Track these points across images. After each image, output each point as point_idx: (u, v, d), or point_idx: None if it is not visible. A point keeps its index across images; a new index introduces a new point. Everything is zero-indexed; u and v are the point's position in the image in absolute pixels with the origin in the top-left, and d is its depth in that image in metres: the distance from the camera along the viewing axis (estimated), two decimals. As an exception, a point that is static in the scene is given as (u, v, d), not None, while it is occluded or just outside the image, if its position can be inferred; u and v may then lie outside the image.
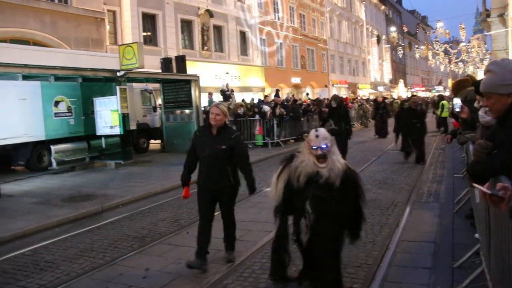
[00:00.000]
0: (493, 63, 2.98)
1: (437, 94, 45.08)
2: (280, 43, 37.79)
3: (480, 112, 5.43)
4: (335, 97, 12.87)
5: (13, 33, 17.91)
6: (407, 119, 12.84)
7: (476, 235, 5.18)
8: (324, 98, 28.01)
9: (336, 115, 12.05)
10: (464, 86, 7.74)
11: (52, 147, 13.35)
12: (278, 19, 37.63)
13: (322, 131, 3.89)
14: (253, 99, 22.94)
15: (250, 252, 5.70)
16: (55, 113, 13.65)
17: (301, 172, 3.86)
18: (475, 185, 2.55)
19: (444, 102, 20.67)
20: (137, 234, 6.90)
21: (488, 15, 31.48)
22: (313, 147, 3.79)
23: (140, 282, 4.99)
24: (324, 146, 3.76)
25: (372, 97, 39.76)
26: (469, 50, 60.78)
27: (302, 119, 20.42)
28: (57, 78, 13.79)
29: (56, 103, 13.69)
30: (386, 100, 26.86)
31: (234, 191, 5.35)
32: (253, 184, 5.31)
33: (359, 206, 3.96)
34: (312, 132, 3.89)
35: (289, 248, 4.33)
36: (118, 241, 6.59)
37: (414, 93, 65.29)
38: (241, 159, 5.25)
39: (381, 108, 21.55)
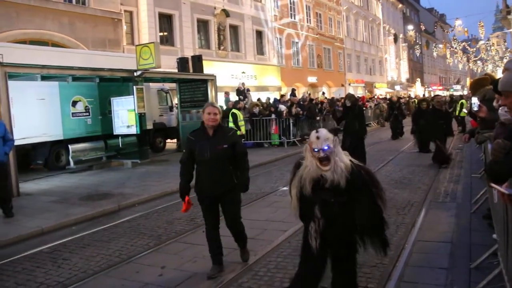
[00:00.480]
0: (511, 61, 2.94)
1: (449, 94, 44.39)
2: (297, 42, 37.71)
3: (500, 111, 5.36)
4: (350, 96, 12.57)
5: (32, 35, 18.15)
6: (432, 120, 12.40)
7: (494, 236, 5.12)
8: (339, 98, 27.72)
9: (351, 114, 11.78)
10: (482, 84, 7.65)
11: (70, 147, 13.52)
12: (295, 18, 37.55)
13: (323, 131, 3.62)
14: (268, 98, 22.92)
15: (266, 251, 5.71)
16: (73, 113, 13.81)
17: (306, 178, 3.65)
18: (493, 185, 2.52)
19: (463, 101, 20.49)
20: (153, 232, 6.95)
21: (508, 12, 31.06)
22: (315, 150, 3.54)
23: (156, 280, 5.03)
24: (326, 147, 3.50)
25: (388, 96, 39.36)
26: (488, 48, 60.08)
27: (318, 118, 20.37)
28: (75, 79, 13.94)
29: (74, 103, 13.85)
30: (401, 100, 26.35)
31: (239, 193, 5.16)
32: (247, 183, 5.04)
33: (375, 206, 3.58)
34: (313, 134, 3.64)
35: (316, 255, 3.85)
36: (134, 239, 6.65)
37: (432, 92, 64.69)
38: (242, 156, 5.04)
39: (396, 109, 20.65)
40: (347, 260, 3.76)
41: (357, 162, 3.71)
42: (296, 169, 3.81)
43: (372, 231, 3.66)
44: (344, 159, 3.60)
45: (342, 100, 21.18)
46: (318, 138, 3.55)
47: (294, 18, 37.47)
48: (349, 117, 11.74)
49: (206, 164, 4.91)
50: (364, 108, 26.25)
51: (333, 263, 3.79)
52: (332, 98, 27.24)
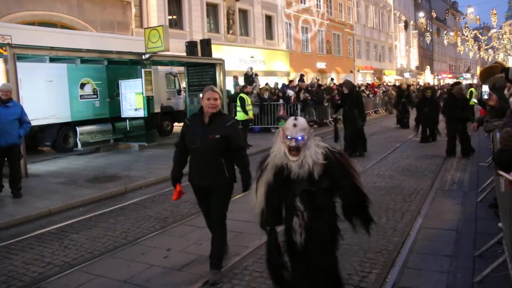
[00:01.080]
0: None
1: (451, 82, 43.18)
2: (306, 28, 37.46)
3: (511, 99, 5.31)
4: (347, 82, 12.23)
5: (42, 16, 18.15)
6: (452, 109, 11.25)
7: (500, 225, 5.11)
8: (335, 84, 26.91)
9: (349, 101, 11.55)
10: (493, 73, 7.58)
11: (78, 129, 13.57)
12: (305, 3, 37.25)
13: (301, 120, 3.33)
14: (276, 84, 22.83)
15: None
16: (81, 95, 13.84)
17: (269, 164, 3.39)
18: (501, 172, 2.50)
19: (472, 89, 20.29)
20: (159, 215, 7.00)
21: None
22: (288, 137, 3.25)
23: (162, 262, 5.07)
24: (300, 138, 3.21)
25: (397, 83, 39.06)
26: (500, 36, 59.34)
27: (326, 104, 20.30)
28: (83, 61, 13.94)
29: (82, 85, 13.88)
30: (411, 88, 25.75)
31: (229, 189, 4.68)
32: (249, 180, 4.43)
33: (355, 187, 3.35)
34: (290, 120, 3.33)
35: (285, 262, 3.53)
36: (140, 221, 6.70)
37: (441, 81, 64.19)
38: (238, 150, 4.57)
39: (404, 97, 19.36)
40: (330, 259, 3.43)
41: (332, 147, 3.38)
42: (263, 164, 3.48)
43: (359, 210, 3.43)
44: (314, 155, 3.24)
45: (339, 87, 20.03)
46: (295, 126, 3.27)
47: (305, 4, 37.17)
48: (348, 104, 11.50)
49: (196, 153, 4.57)
50: (364, 95, 26.02)
51: (314, 267, 3.34)
52: (329, 85, 25.51)
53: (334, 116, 12.88)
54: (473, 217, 6.25)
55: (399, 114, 19.58)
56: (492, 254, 4.70)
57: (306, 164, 3.23)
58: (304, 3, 37.14)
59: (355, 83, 34.28)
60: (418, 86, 37.55)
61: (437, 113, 14.08)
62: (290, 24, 35.19)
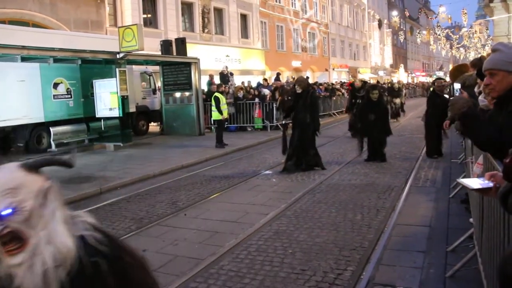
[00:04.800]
0: (500, 43, 2.97)
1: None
2: (281, 26, 37.57)
3: (480, 97, 5.43)
4: (300, 80, 10.29)
5: (12, 14, 17.81)
6: (437, 106, 10.07)
7: (471, 220, 5.23)
8: (287, 83, 22.51)
9: (301, 103, 9.69)
10: (462, 71, 7.72)
11: (51, 129, 13.39)
12: (280, 2, 37.36)
13: (6, 172, 1.36)
14: (250, 82, 22.78)
15: (247, 234, 5.74)
16: (54, 95, 13.64)
17: None
18: (461, 181, 2.58)
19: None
20: (135, 215, 6.94)
21: (491, 0, 31.24)
22: None
23: (137, 263, 5.03)
24: (6, 212, 1.29)
25: (372, 81, 38.86)
26: (471, 35, 60.38)
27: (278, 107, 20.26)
28: (56, 60, 13.75)
29: (55, 85, 13.68)
30: (367, 85, 15.22)
31: None
32: None
33: None
34: None
35: None
36: (116, 222, 6.64)
37: (415, 79, 64.98)
38: None
39: (359, 97, 14.42)
40: None
41: (103, 232, 1.47)
42: None
43: None
44: (61, 239, 1.34)
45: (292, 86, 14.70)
46: None
47: (280, 2, 37.27)
48: (300, 107, 9.67)
49: None
50: (339, 94, 25.78)
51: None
52: (282, 85, 21.01)
53: (283, 121, 11.00)
54: (446, 213, 6.37)
55: (352, 119, 15.16)
56: (463, 249, 4.81)
57: (38, 266, 1.30)
58: (279, 2, 37.25)
59: (330, 81, 34.52)
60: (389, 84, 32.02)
61: (386, 123, 10.91)
62: (265, 23, 35.25)
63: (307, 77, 29.50)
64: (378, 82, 35.32)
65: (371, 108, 10.54)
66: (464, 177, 7.39)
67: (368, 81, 29.62)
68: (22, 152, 13.47)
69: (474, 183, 2.35)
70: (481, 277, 3.84)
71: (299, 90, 9.76)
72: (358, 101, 14.36)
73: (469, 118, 2.95)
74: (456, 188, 7.45)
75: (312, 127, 9.75)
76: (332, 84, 29.25)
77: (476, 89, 6.34)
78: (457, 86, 6.49)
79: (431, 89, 12.70)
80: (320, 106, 18.52)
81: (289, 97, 13.47)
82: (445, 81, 13.84)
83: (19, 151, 13.63)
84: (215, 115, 13.98)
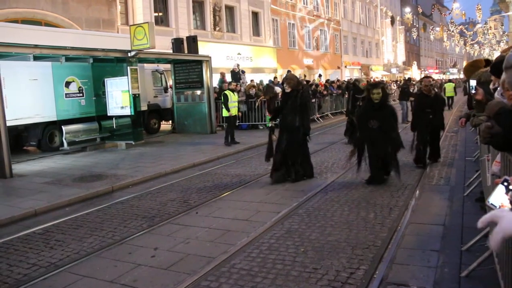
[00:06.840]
0: None
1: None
2: (293, 24, 37.45)
3: (497, 94, 5.33)
4: (290, 78, 8.94)
5: (25, 14, 17.92)
6: (420, 108, 9.36)
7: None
8: (277, 84, 19.92)
9: (290, 104, 8.49)
10: (477, 67, 7.59)
11: (64, 128, 13.45)
12: (291, -1, 37.28)
13: None
14: (262, 81, 22.69)
15: (258, 232, 5.70)
16: (66, 94, 13.72)
17: None
18: (491, 203, 2.26)
19: (446, 85, 20.34)
20: (146, 214, 6.94)
21: (505, -5, 30.83)
22: None
23: (149, 261, 5.03)
24: None
25: (385, 78, 38.58)
26: (486, 31, 59.81)
27: (314, 100, 20.28)
28: (68, 59, 13.80)
29: (67, 84, 13.76)
30: (368, 84, 11.00)
31: None
32: None
33: None
34: None
35: None
36: (127, 220, 6.64)
37: (428, 75, 64.43)
38: None
39: (360, 99, 11.51)
40: None
41: None
42: None
43: None
44: None
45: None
46: None
47: (291, 0, 37.14)
48: (288, 109, 8.53)
49: None
50: (334, 94, 24.95)
51: None
52: (267, 84, 20.27)
53: (270, 123, 9.75)
54: (460, 212, 6.27)
55: (349, 122, 13.26)
56: (479, 248, 4.72)
57: None
58: (291, -1, 37.16)
59: (342, 79, 34.23)
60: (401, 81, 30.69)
61: (392, 131, 8.21)
62: (276, 21, 35.15)
63: (304, 76, 29.44)
64: (382, 80, 33.73)
65: (373, 112, 8.08)
66: (478, 175, 7.28)
67: (381, 80, 27.99)
68: (35, 151, 13.60)
69: (505, 200, 2.00)
70: (497, 277, 3.76)
71: (288, 89, 8.55)
72: (358, 103, 11.89)
73: (504, 114, 2.90)
74: (470, 186, 7.35)
75: (302, 131, 8.58)
76: (344, 81, 28.90)
77: (491, 86, 6.24)
78: (473, 83, 6.35)
79: (418, 89, 11.21)
80: (311, 108, 17.50)
81: (272, 97, 13.00)
82: (433, 79, 12.39)
83: (32, 149, 13.76)
84: (224, 113, 14.24)
